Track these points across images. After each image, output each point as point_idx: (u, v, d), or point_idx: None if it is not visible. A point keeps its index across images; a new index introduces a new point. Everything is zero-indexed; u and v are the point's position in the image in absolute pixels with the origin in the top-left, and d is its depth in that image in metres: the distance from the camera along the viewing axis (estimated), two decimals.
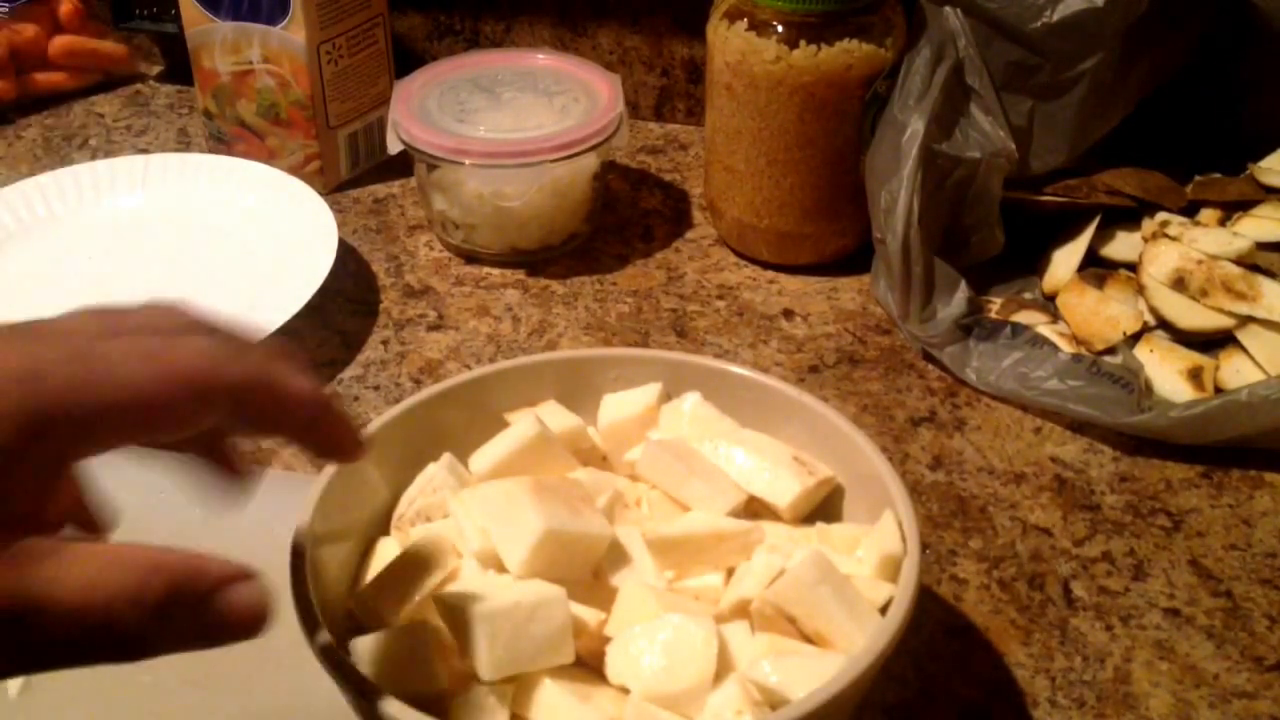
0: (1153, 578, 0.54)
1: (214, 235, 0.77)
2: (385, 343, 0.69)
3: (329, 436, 0.36)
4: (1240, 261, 0.64)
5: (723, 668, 0.40)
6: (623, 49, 0.90)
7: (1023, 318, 0.68)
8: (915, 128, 0.65)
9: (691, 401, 0.51)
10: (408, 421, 0.49)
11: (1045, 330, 0.66)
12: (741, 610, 0.43)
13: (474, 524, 0.44)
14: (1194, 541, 0.56)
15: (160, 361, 0.30)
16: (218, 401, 0.31)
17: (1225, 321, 0.64)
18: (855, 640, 0.40)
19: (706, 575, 0.45)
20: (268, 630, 0.31)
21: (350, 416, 0.37)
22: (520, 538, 0.41)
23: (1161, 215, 0.69)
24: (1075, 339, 0.67)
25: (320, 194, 0.77)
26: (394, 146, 0.74)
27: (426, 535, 0.46)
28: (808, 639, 0.41)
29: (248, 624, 0.31)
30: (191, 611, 0.30)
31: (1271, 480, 0.59)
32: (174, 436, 0.31)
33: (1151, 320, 0.66)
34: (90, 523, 0.36)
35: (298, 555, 0.42)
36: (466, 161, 0.71)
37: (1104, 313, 0.66)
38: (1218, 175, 0.70)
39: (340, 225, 0.75)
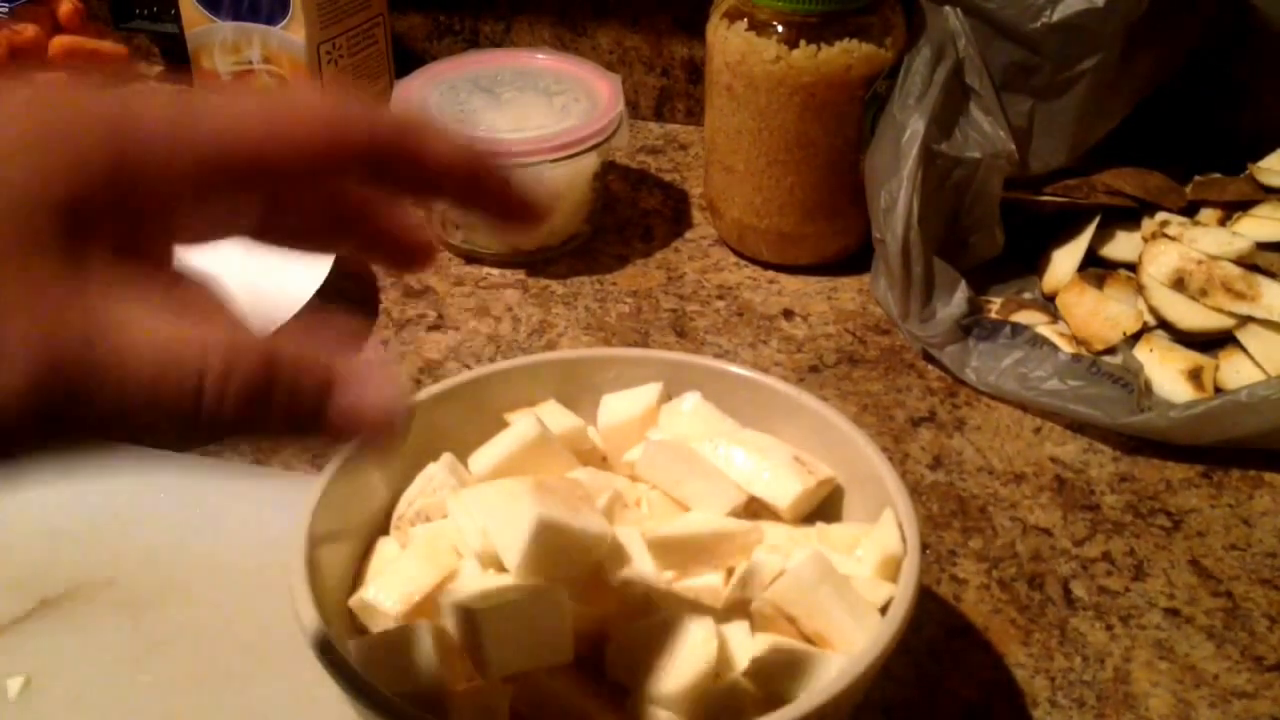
0: (1153, 578, 0.54)
1: None
2: (385, 343, 0.69)
3: (499, 191, 0.31)
4: (1240, 261, 0.64)
5: (723, 668, 0.40)
6: (623, 49, 0.90)
7: (1023, 318, 0.68)
8: (915, 128, 0.65)
9: (691, 401, 0.51)
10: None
11: (1045, 330, 0.66)
12: (741, 610, 0.43)
13: (474, 524, 0.44)
14: (1194, 541, 0.56)
15: (275, 110, 0.26)
16: (340, 159, 0.28)
17: (1225, 321, 0.64)
18: (855, 640, 0.40)
19: (706, 575, 0.45)
20: (399, 435, 0.27)
21: (519, 184, 0.32)
22: (516, 532, 0.41)
23: (1161, 215, 0.69)
24: (1075, 339, 0.67)
25: None
26: None
27: (426, 535, 0.46)
28: (808, 639, 0.41)
29: (370, 426, 0.27)
30: (294, 406, 0.26)
31: (1271, 480, 0.59)
32: (295, 192, 0.28)
33: (1151, 320, 0.66)
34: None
35: (298, 555, 0.42)
36: None
37: (1104, 313, 0.66)
38: (1218, 175, 0.70)
39: None
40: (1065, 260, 0.70)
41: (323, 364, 0.27)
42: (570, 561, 0.43)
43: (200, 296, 0.29)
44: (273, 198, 0.29)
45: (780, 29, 0.67)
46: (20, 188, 0.23)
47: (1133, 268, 0.68)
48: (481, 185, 0.31)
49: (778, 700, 0.38)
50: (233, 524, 0.55)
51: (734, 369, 0.52)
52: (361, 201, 0.31)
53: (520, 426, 0.48)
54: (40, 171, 0.23)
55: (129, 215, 0.25)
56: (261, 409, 0.25)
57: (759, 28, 0.68)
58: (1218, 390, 0.63)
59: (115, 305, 0.24)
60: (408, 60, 0.88)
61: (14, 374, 0.22)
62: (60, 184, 0.23)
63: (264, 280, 0.72)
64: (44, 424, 0.23)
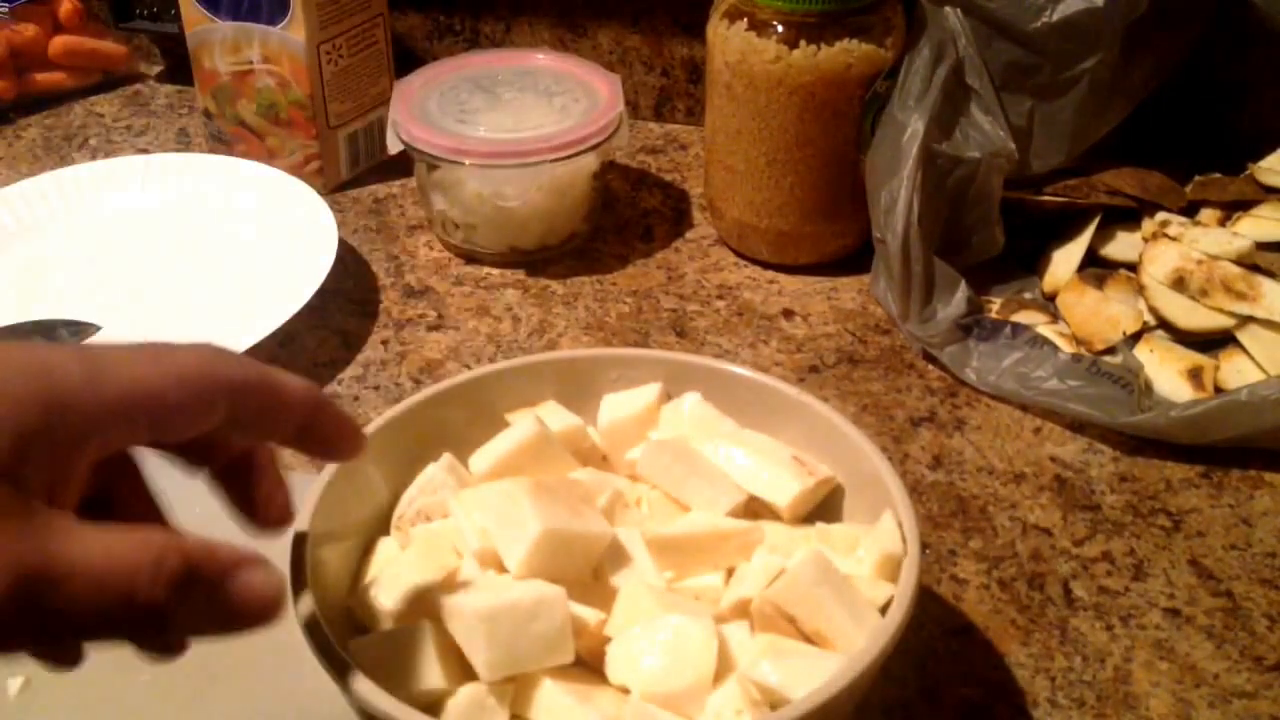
0: (1153, 578, 0.54)
1: (214, 235, 0.77)
2: (385, 343, 0.69)
3: (327, 434, 0.37)
4: (1240, 261, 0.64)
5: (723, 668, 0.40)
6: (623, 49, 0.90)
7: (1023, 318, 0.68)
8: (915, 128, 0.65)
9: (691, 401, 0.51)
10: (408, 421, 0.49)
11: (1045, 330, 0.66)
12: (741, 610, 0.43)
13: (474, 524, 0.44)
14: (1194, 541, 0.56)
15: (164, 362, 0.31)
16: (218, 400, 0.33)
17: (1225, 321, 0.64)
18: (855, 640, 0.40)
19: (706, 575, 0.45)
20: (280, 618, 0.32)
21: (346, 414, 0.38)
22: (520, 538, 0.41)
23: (1161, 215, 0.69)
24: (1075, 339, 0.67)
25: (320, 194, 0.77)
26: (394, 146, 0.74)
27: (426, 535, 0.46)
28: (808, 639, 0.41)
29: (262, 608, 0.31)
30: (208, 591, 0.30)
31: (1271, 480, 0.59)
32: (179, 436, 0.32)
33: (1151, 320, 0.66)
34: None
35: (298, 555, 0.42)
36: (466, 161, 0.71)
37: (1104, 313, 0.66)
38: (1218, 175, 0.70)
39: (340, 225, 0.75)
40: (1065, 260, 0.70)
41: (224, 552, 0.31)
42: (570, 562, 0.43)
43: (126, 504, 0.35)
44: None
45: (780, 29, 0.67)
46: None
47: (1133, 268, 0.68)
48: (318, 428, 0.37)
49: (778, 700, 0.38)
50: (233, 524, 0.55)
51: (734, 369, 0.52)
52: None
53: (520, 426, 0.48)
54: None
55: (55, 459, 0.30)
56: (188, 594, 0.30)
57: (759, 28, 0.68)
58: (1218, 390, 0.63)
59: (59, 530, 0.29)
60: (408, 60, 0.88)
61: None
62: (5, 442, 0.28)
63: (265, 281, 0.72)
64: (19, 627, 0.28)
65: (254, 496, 0.37)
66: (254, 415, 0.34)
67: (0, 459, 0.28)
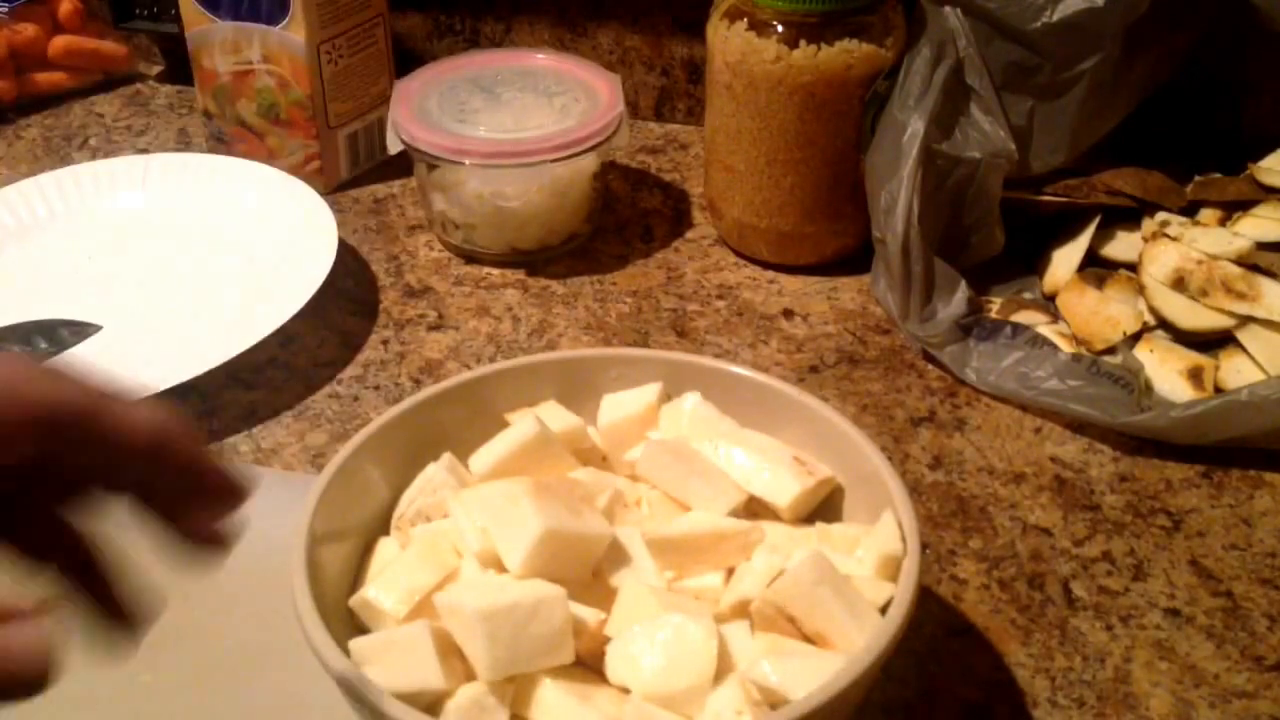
0: (1153, 578, 0.54)
1: (214, 235, 0.77)
2: (385, 343, 0.69)
3: (181, 482, 0.28)
4: (1240, 261, 0.64)
5: (723, 668, 0.40)
6: (623, 49, 0.90)
7: (1023, 318, 0.68)
8: (915, 128, 0.65)
9: (691, 401, 0.51)
10: (408, 421, 0.49)
11: (1045, 330, 0.66)
12: (741, 610, 0.43)
13: (474, 524, 0.44)
14: (1194, 541, 0.56)
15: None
16: (19, 428, 0.26)
17: (1225, 321, 0.64)
18: (855, 640, 0.40)
19: (706, 575, 0.45)
20: (43, 690, 0.25)
21: (215, 459, 0.29)
22: (520, 538, 0.41)
23: (1161, 215, 0.69)
24: (1075, 339, 0.67)
25: (320, 194, 0.77)
26: (394, 146, 0.74)
27: (426, 535, 0.46)
28: (808, 639, 0.41)
29: (17, 673, 0.25)
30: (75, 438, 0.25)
31: (1271, 480, 0.59)
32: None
33: (1151, 320, 0.66)
34: None
35: (298, 555, 0.42)
36: (466, 161, 0.71)
37: (1104, 313, 0.66)
38: (1218, 175, 0.70)
39: (340, 225, 0.75)
40: (1065, 260, 0.70)
41: None
42: (570, 562, 0.43)
43: None
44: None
45: (780, 29, 0.67)
46: None
47: (1133, 268, 0.68)
48: (168, 469, 0.28)
49: (778, 700, 0.38)
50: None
51: (734, 369, 0.52)
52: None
53: (520, 426, 0.48)
54: None
55: None
56: None
57: (759, 28, 0.68)
58: (1218, 390, 0.63)
59: None
60: (408, 60, 0.88)
61: None
62: None
63: (265, 281, 0.72)
64: None
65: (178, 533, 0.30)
66: (73, 452, 0.26)
67: None
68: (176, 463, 0.28)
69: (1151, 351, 0.65)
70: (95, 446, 0.27)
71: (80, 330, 0.68)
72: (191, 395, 0.63)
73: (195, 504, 0.29)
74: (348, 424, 0.63)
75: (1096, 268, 0.69)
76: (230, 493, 0.29)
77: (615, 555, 0.44)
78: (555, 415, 0.50)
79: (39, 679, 0.25)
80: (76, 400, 0.26)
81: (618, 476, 0.49)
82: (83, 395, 0.26)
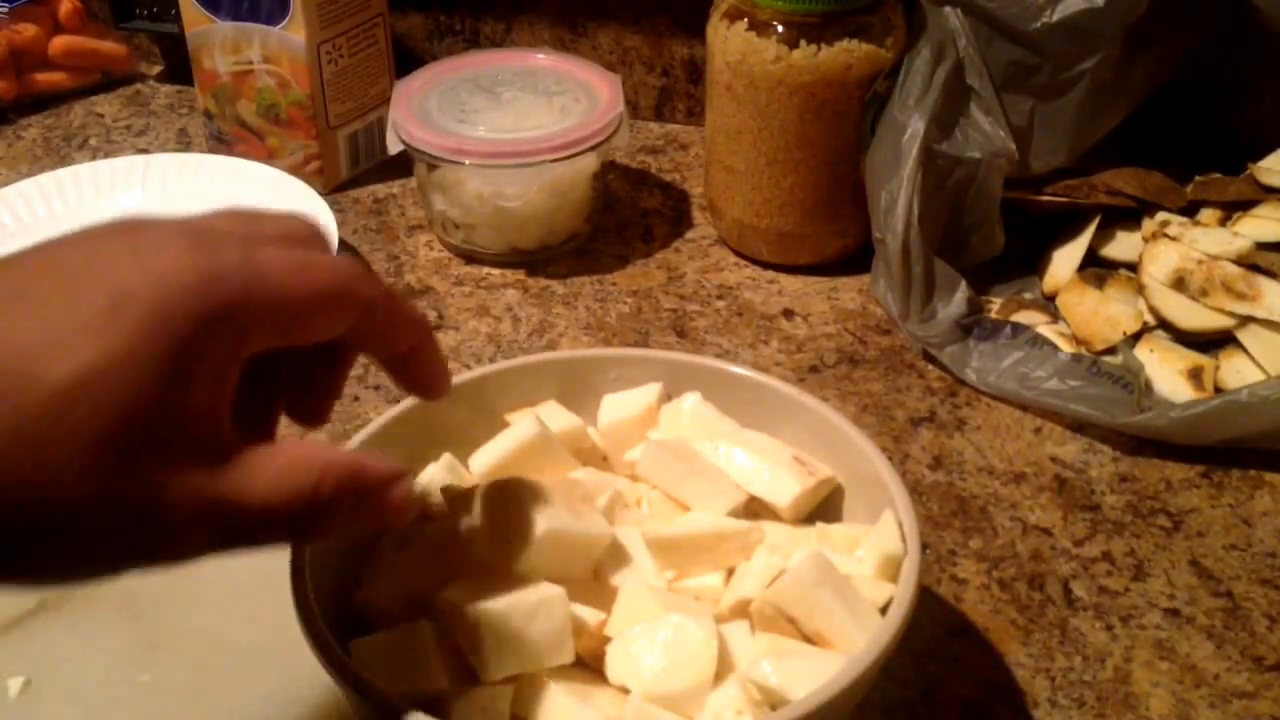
0: (1153, 578, 0.54)
1: None
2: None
3: (422, 367, 0.39)
4: (1240, 261, 0.64)
5: (723, 668, 0.40)
6: (623, 49, 0.90)
7: (1023, 318, 0.68)
8: (915, 128, 0.65)
9: (691, 401, 0.51)
10: (408, 421, 0.49)
11: (1045, 330, 0.66)
12: (741, 610, 0.43)
13: (474, 524, 0.44)
14: (1194, 541, 0.56)
15: (310, 274, 0.34)
16: (351, 311, 0.35)
17: (1225, 321, 0.64)
18: (855, 640, 0.40)
19: (706, 575, 0.45)
20: (411, 517, 0.36)
21: (443, 358, 0.40)
22: (520, 538, 0.41)
23: (1161, 215, 0.69)
24: (1075, 339, 0.67)
25: (320, 194, 0.77)
26: (394, 146, 0.74)
27: (426, 535, 0.46)
28: (808, 639, 0.41)
29: (397, 516, 0.35)
30: (353, 505, 0.34)
31: (1271, 480, 0.59)
32: (313, 339, 0.35)
33: (1151, 320, 0.66)
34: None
35: (298, 555, 0.42)
36: (466, 161, 0.71)
37: (1104, 313, 0.66)
38: (1218, 175, 0.70)
39: (340, 225, 0.75)
40: (1065, 260, 0.70)
41: (371, 473, 0.35)
42: (571, 562, 0.43)
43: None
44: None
45: (780, 29, 0.67)
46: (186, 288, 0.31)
47: (1133, 268, 0.68)
48: (421, 357, 0.39)
49: (778, 700, 0.38)
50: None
51: (734, 369, 0.52)
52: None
53: (520, 426, 0.48)
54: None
55: (220, 363, 0.32)
56: (340, 509, 0.34)
57: (759, 28, 0.68)
58: (1218, 390, 0.63)
59: (235, 465, 0.33)
60: (408, 60, 0.88)
61: None
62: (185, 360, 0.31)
63: None
64: (205, 542, 0.32)
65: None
66: (374, 331, 0.37)
67: (180, 371, 0.30)
68: (425, 352, 0.39)
69: (1151, 351, 0.65)
70: (387, 330, 0.37)
71: None
72: None
73: (419, 382, 0.40)
74: (348, 424, 0.63)
75: (1096, 268, 0.69)
76: (445, 385, 0.41)
77: (615, 555, 0.44)
78: (555, 415, 0.50)
79: (409, 514, 0.36)
80: (383, 297, 0.36)
81: (618, 476, 0.49)
82: (386, 294, 0.36)
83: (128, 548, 0.31)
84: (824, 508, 0.48)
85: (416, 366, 0.39)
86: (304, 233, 0.37)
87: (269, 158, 0.82)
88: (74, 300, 0.30)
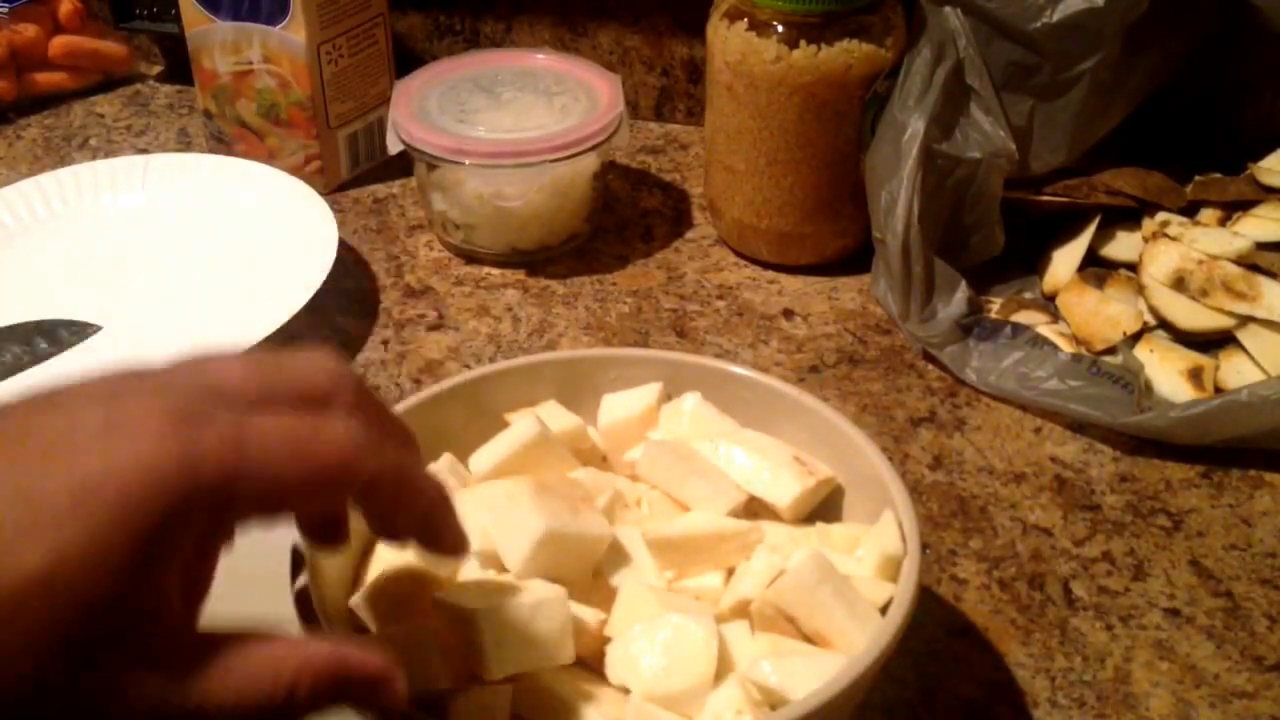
0: (1153, 578, 0.54)
1: (214, 235, 0.77)
2: (385, 343, 0.69)
3: (438, 531, 0.37)
4: (1240, 261, 0.64)
5: (723, 668, 0.40)
6: (623, 49, 0.90)
7: (1023, 318, 0.68)
8: (915, 128, 0.65)
9: (691, 401, 0.51)
10: (407, 421, 0.49)
11: (1045, 330, 0.66)
12: (741, 610, 0.43)
13: (474, 524, 0.44)
14: (1194, 541, 0.56)
15: (307, 455, 0.31)
16: (352, 489, 0.33)
17: (1225, 321, 0.64)
18: (855, 640, 0.40)
19: (706, 575, 0.45)
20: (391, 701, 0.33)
21: (459, 519, 0.38)
22: (520, 538, 0.41)
23: (1161, 215, 0.69)
24: (1075, 339, 0.67)
25: (320, 194, 0.77)
26: (394, 146, 0.74)
27: None
28: (808, 639, 0.41)
29: (385, 713, 0.33)
30: (332, 701, 0.32)
31: (1271, 480, 0.59)
32: (305, 514, 0.35)
33: (1151, 320, 0.66)
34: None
35: (298, 555, 0.42)
36: (466, 161, 0.71)
37: (1104, 313, 0.66)
38: (1218, 175, 0.70)
39: (340, 225, 0.75)
40: (1065, 260, 0.70)
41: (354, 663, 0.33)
42: (571, 562, 0.43)
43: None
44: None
45: (780, 29, 0.67)
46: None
47: (1133, 268, 0.67)
48: (431, 525, 0.37)
49: (778, 700, 0.38)
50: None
51: (734, 369, 0.52)
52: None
53: (520, 426, 0.48)
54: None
55: (186, 546, 0.30)
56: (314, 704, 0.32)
57: (759, 28, 0.68)
58: (1218, 390, 0.63)
59: (197, 671, 0.31)
60: (408, 60, 0.88)
61: None
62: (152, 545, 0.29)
63: (265, 281, 0.72)
64: None
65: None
66: (377, 503, 0.35)
67: (145, 564, 0.29)
68: (439, 520, 0.37)
69: (1151, 351, 0.65)
70: (393, 505, 0.35)
71: (80, 330, 0.68)
72: None
73: (434, 546, 0.37)
74: None
75: (1096, 268, 0.69)
76: (459, 546, 0.38)
77: (615, 555, 0.44)
78: (555, 415, 0.50)
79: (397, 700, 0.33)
80: (391, 473, 0.34)
81: (618, 476, 0.49)
82: (395, 467, 0.34)
83: None
84: (824, 508, 0.48)
85: (427, 530, 0.37)
86: (323, 385, 0.34)
87: (269, 158, 0.82)
88: (39, 486, 0.28)
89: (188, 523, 0.29)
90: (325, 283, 0.68)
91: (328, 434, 0.32)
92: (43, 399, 0.30)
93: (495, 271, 0.75)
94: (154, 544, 0.28)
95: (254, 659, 0.31)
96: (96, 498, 0.28)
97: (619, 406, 0.51)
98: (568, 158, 0.72)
